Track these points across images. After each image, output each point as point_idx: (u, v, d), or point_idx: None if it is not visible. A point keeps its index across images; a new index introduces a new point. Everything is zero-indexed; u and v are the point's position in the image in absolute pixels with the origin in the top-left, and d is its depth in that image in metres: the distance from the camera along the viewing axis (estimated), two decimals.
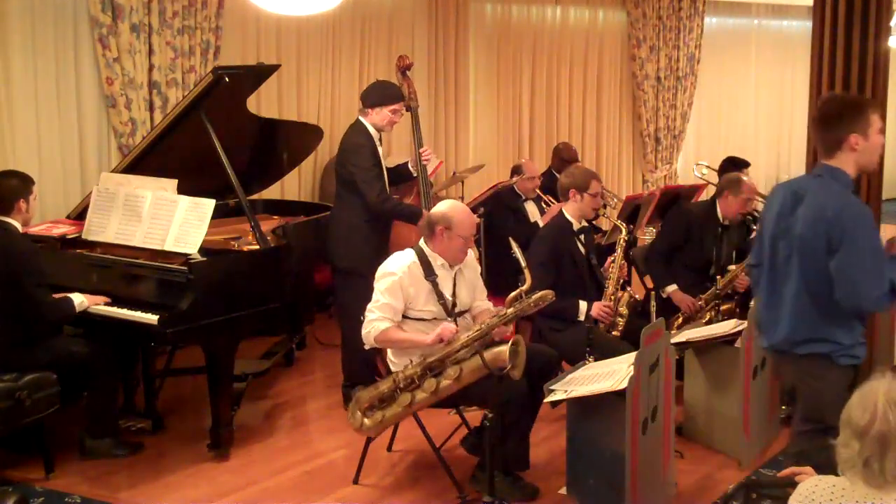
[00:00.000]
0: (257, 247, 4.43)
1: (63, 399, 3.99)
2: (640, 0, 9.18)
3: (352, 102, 7.15)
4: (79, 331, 4.34)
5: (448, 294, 3.79)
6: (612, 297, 4.48)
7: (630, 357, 3.49)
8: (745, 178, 5.18)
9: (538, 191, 6.27)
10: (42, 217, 5.17)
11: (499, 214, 6.06)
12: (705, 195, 6.63)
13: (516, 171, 6.26)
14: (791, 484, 2.25)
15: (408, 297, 3.73)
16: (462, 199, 7.10)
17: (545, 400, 3.56)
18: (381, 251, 4.58)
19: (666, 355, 3.64)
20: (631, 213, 6.13)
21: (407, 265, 3.75)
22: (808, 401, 3.09)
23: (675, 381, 3.83)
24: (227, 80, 4.33)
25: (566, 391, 3.50)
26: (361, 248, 4.70)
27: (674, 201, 6.23)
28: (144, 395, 4.64)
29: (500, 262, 5.66)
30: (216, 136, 4.43)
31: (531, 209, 6.21)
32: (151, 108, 5.88)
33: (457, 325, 3.74)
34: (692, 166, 7.92)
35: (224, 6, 6.18)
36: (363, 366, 4.74)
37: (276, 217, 5.42)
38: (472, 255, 3.97)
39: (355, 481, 3.99)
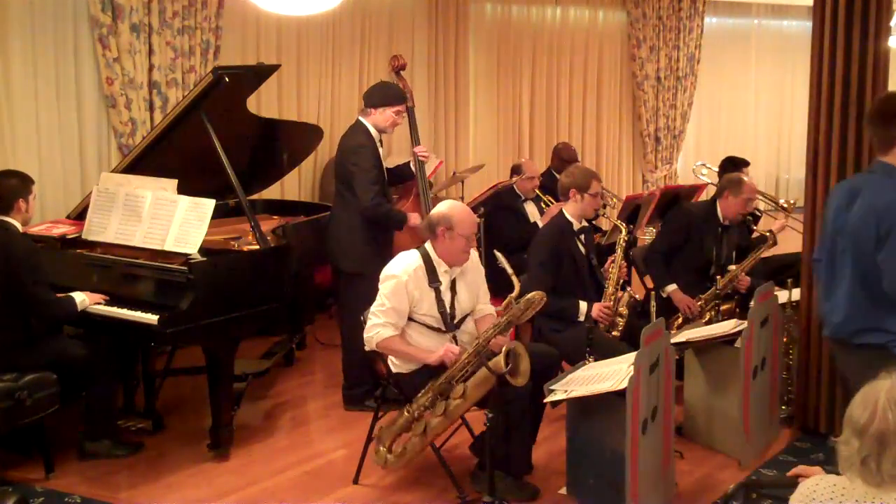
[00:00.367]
0: (257, 247, 4.42)
1: (63, 399, 3.99)
2: (640, 0, 9.18)
3: (352, 102, 7.16)
4: (79, 331, 4.34)
5: (447, 303, 3.78)
6: (612, 298, 4.48)
7: (630, 357, 3.49)
8: (745, 178, 5.19)
9: (537, 191, 6.27)
10: (42, 217, 5.18)
11: (498, 215, 6.06)
12: (705, 195, 6.64)
13: (516, 170, 6.26)
14: (796, 484, 2.25)
15: (412, 299, 3.72)
16: (462, 199, 7.10)
17: (545, 400, 3.56)
18: (384, 252, 4.58)
19: (666, 355, 3.64)
20: (631, 213, 6.13)
21: (413, 268, 3.74)
22: None
23: (675, 381, 3.83)
24: (227, 80, 4.32)
25: (566, 391, 3.50)
26: (364, 249, 4.69)
27: (674, 201, 6.23)
28: (144, 395, 4.64)
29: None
30: (216, 136, 4.43)
31: (530, 209, 6.21)
32: (151, 108, 5.88)
33: (456, 339, 3.76)
34: (692, 166, 7.92)
35: (224, 6, 6.18)
36: (364, 368, 4.76)
37: (276, 217, 5.42)
38: (475, 256, 3.96)
39: (355, 481, 3.99)
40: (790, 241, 5.91)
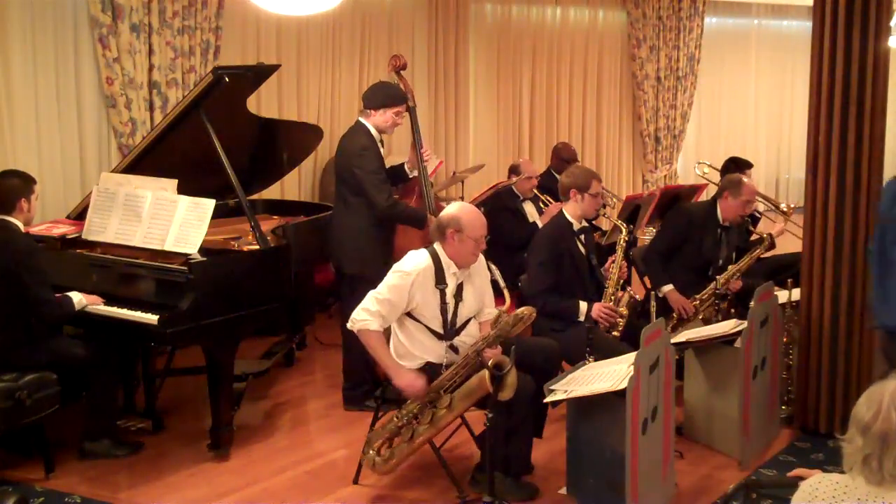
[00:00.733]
0: (257, 247, 4.42)
1: (63, 399, 3.99)
2: (640, 0, 9.18)
3: (352, 102, 7.17)
4: (79, 331, 4.34)
5: (451, 310, 3.78)
6: (612, 298, 4.48)
7: (630, 357, 3.49)
8: (746, 179, 5.15)
9: (535, 190, 6.27)
10: (42, 217, 5.17)
11: (498, 215, 6.06)
12: (706, 195, 6.64)
13: (514, 170, 6.26)
14: (796, 485, 2.25)
15: (412, 300, 3.72)
16: (462, 199, 7.10)
17: (545, 400, 3.56)
18: (386, 254, 4.58)
19: (666, 355, 3.64)
20: (631, 213, 6.13)
21: (422, 267, 3.73)
22: None
23: (675, 381, 3.83)
24: (227, 80, 4.32)
25: (566, 391, 3.50)
26: (368, 252, 4.67)
27: (674, 201, 6.23)
28: (144, 395, 4.64)
29: (499, 263, 5.65)
30: (216, 136, 4.43)
31: (529, 209, 6.21)
32: (151, 108, 5.88)
33: (454, 347, 3.76)
34: (692, 166, 7.92)
35: (224, 6, 6.19)
36: (364, 368, 4.76)
37: (276, 217, 5.42)
38: (482, 259, 3.95)
39: (355, 481, 3.98)
40: (790, 241, 5.91)
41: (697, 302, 4.94)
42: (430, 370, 3.75)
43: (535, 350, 3.94)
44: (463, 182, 7.13)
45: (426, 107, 7.74)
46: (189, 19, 5.98)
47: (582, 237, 4.53)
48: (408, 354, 3.79)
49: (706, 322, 4.80)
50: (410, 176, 5.01)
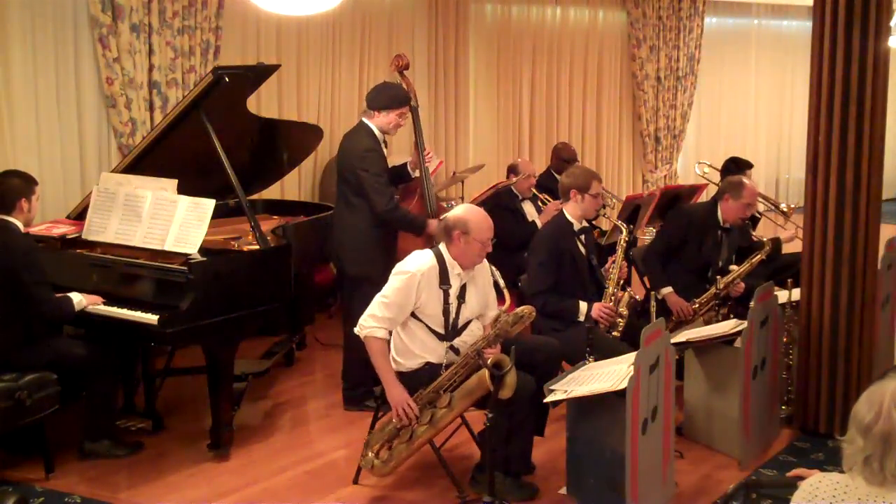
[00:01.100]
0: (257, 247, 4.42)
1: (63, 399, 3.99)
2: (640, 0, 9.18)
3: (352, 102, 7.17)
4: (79, 331, 4.34)
5: (453, 310, 3.77)
6: (612, 298, 4.48)
7: (630, 357, 3.49)
8: (747, 182, 5.09)
9: (533, 189, 6.26)
10: (42, 217, 5.16)
11: (498, 215, 6.05)
12: (706, 195, 6.64)
13: (512, 170, 6.25)
14: (796, 485, 2.25)
15: (419, 299, 3.72)
16: (462, 199, 7.10)
17: (545, 400, 3.56)
18: (388, 256, 4.57)
19: (666, 355, 3.64)
20: (631, 213, 6.13)
21: (427, 267, 3.72)
22: None
23: (675, 381, 3.83)
24: (227, 80, 4.32)
25: (566, 391, 3.50)
26: (371, 253, 4.66)
27: (674, 201, 6.23)
28: (144, 395, 4.64)
29: (499, 262, 5.66)
30: (216, 136, 4.42)
31: (528, 209, 6.21)
32: (151, 108, 5.88)
33: (454, 349, 3.75)
34: (692, 166, 7.92)
35: (224, 6, 6.18)
36: (364, 368, 4.75)
37: (276, 217, 5.42)
38: (486, 261, 3.95)
39: (355, 481, 3.99)
40: (790, 242, 5.92)
41: (697, 305, 4.93)
42: (429, 370, 3.75)
43: (536, 349, 3.94)
44: (463, 182, 7.12)
45: (426, 107, 7.73)
46: (189, 19, 5.98)
47: (582, 237, 4.53)
48: (408, 353, 3.78)
49: (706, 323, 4.80)
50: (413, 176, 5.00)
